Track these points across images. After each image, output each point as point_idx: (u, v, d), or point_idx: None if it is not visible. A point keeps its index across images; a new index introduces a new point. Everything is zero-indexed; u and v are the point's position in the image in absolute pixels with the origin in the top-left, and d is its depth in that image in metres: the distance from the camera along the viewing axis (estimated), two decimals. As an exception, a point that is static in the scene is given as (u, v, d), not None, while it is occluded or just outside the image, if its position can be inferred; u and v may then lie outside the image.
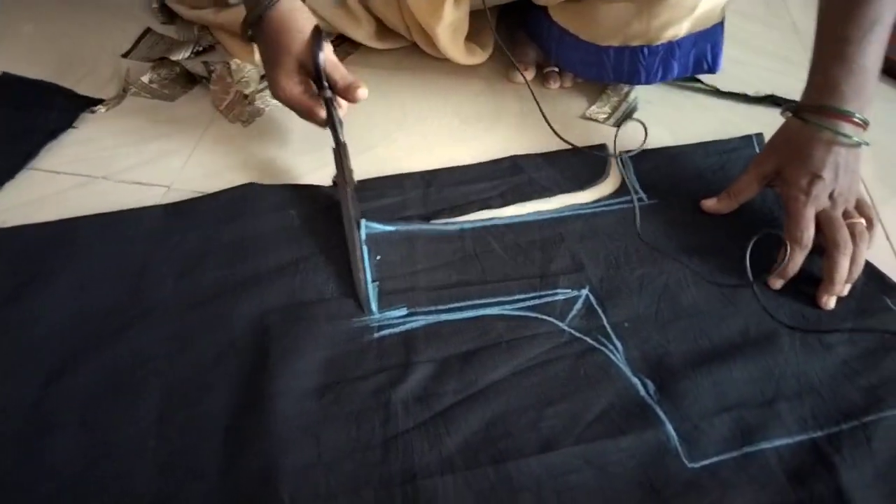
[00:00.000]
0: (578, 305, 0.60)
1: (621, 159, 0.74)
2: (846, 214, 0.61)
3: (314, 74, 0.63)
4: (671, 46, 0.74)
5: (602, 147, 0.75)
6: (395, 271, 0.61)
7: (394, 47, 0.86)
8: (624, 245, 0.64)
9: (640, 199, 0.69)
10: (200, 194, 0.67)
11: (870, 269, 0.63)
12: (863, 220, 0.61)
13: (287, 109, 0.74)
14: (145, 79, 0.79)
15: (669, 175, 0.72)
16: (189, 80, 0.80)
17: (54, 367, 0.52)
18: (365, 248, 0.62)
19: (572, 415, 0.52)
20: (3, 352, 0.53)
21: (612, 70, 0.77)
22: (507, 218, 0.67)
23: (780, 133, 0.65)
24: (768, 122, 0.79)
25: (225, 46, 0.85)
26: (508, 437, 0.50)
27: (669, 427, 0.51)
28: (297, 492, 0.47)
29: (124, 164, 0.70)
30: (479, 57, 0.84)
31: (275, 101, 0.78)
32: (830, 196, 0.61)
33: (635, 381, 0.54)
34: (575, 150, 0.74)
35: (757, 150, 0.74)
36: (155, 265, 0.60)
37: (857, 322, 0.59)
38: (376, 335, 0.56)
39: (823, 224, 0.60)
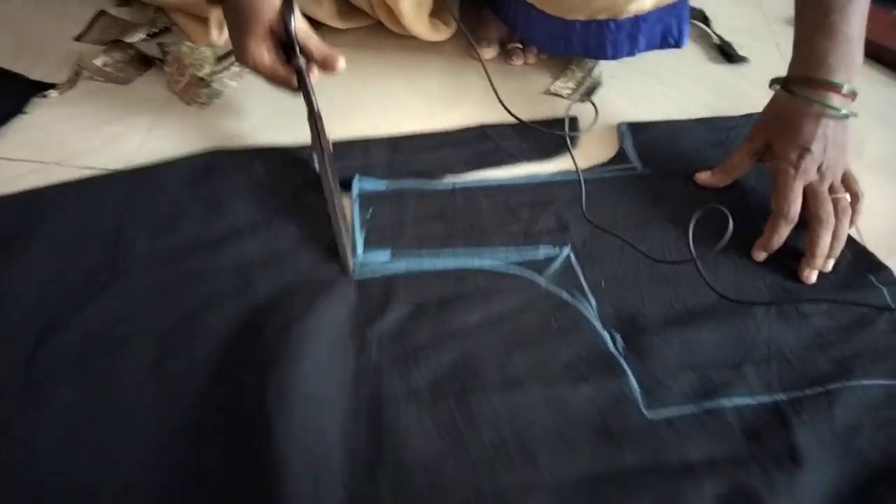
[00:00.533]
0: (557, 263, 0.60)
1: (620, 129, 0.74)
2: (832, 189, 0.61)
3: (286, 42, 0.62)
4: (637, 20, 0.73)
5: (559, 122, 0.74)
6: (383, 222, 0.63)
7: (356, 26, 0.85)
8: (612, 210, 0.65)
9: (632, 168, 0.70)
10: (157, 177, 0.66)
11: (858, 249, 0.63)
12: (847, 196, 0.61)
13: (246, 91, 0.73)
14: (99, 62, 0.77)
15: (668, 147, 0.72)
16: (144, 62, 0.79)
17: (42, 327, 0.53)
18: (356, 203, 0.64)
19: (538, 360, 0.54)
20: None
21: (580, 45, 0.76)
22: (499, 179, 0.69)
23: (770, 107, 0.65)
24: (732, 94, 0.80)
25: (181, 28, 0.83)
26: (474, 376, 0.52)
27: (632, 379, 0.53)
28: (279, 416, 0.48)
29: (78, 148, 0.68)
30: (443, 33, 0.83)
31: (233, 83, 0.77)
32: (819, 169, 0.61)
33: (605, 334, 0.55)
34: (542, 123, 0.74)
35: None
36: (128, 227, 0.60)
37: (838, 296, 0.59)
38: (357, 277, 0.58)
39: (808, 198, 0.61)
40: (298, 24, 0.62)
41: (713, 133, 0.75)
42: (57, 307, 0.54)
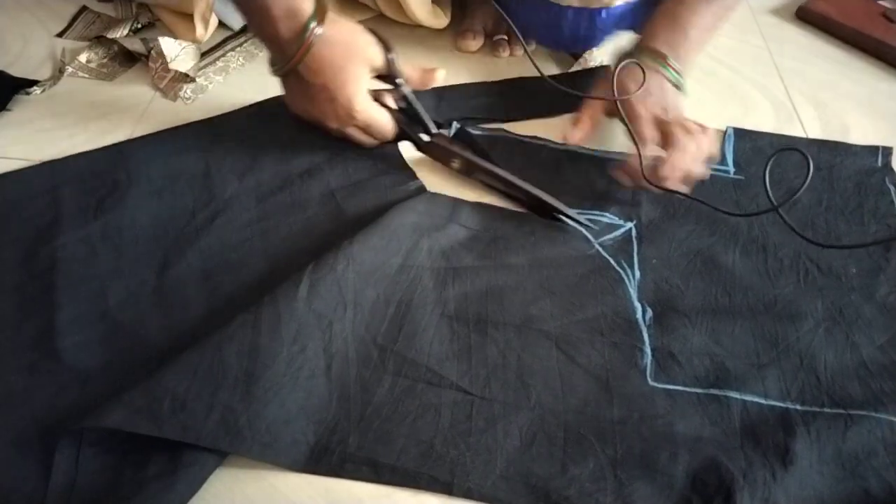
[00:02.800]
0: (618, 233, 0.63)
1: (726, 132, 0.75)
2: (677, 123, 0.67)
3: (390, 71, 0.62)
4: (626, 9, 0.74)
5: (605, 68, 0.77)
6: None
7: (357, 20, 0.85)
8: (690, 203, 0.65)
9: (725, 171, 0.71)
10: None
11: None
12: (695, 127, 0.66)
13: (231, 86, 0.73)
14: (83, 58, 0.77)
15: (766, 160, 0.71)
16: (128, 58, 0.78)
17: (163, 256, 0.59)
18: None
19: (564, 308, 0.57)
20: (109, 255, 0.58)
21: (570, 34, 0.76)
22: (590, 149, 0.71)
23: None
24: (717, 85, 0.80)
25: (166, 25, 0.83)
26: (499, 306, 0.57)
27: (648, 348, 0.55)
28: (355, 282, 0.54)
29: (63, 145, 0.67)
30: (442, 20, 0.83)
31: (219, 79, 0.77)
32: (662, 108, 0.67)
33: (637, 305, 0.58)
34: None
35: (879, 164, 0.73)
36: (215, 169, 0.66)
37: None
38: (429, 191, 0.65)
39: (659, 126, 0.66)
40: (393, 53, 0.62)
41: (823, 155, 0.73)
42: (172, 240, 0.60)
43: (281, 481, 0.47)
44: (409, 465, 0.47)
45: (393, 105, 0.63)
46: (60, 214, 0.61)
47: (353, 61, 0.61)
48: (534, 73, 0.81)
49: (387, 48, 0.61)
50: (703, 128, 0.66)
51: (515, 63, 0.84)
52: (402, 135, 0.65)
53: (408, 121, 0.64)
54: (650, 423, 0.50)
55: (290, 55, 0.59)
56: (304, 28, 0.58)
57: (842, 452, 0.50)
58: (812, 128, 0.78)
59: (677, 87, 0.67)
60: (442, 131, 0.62)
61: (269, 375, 0.48)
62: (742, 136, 0.75)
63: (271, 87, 0.68)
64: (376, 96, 0.64)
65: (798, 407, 0.52)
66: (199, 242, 0.60)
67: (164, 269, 0.58)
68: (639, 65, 0.64)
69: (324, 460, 0.47)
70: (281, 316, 0.50)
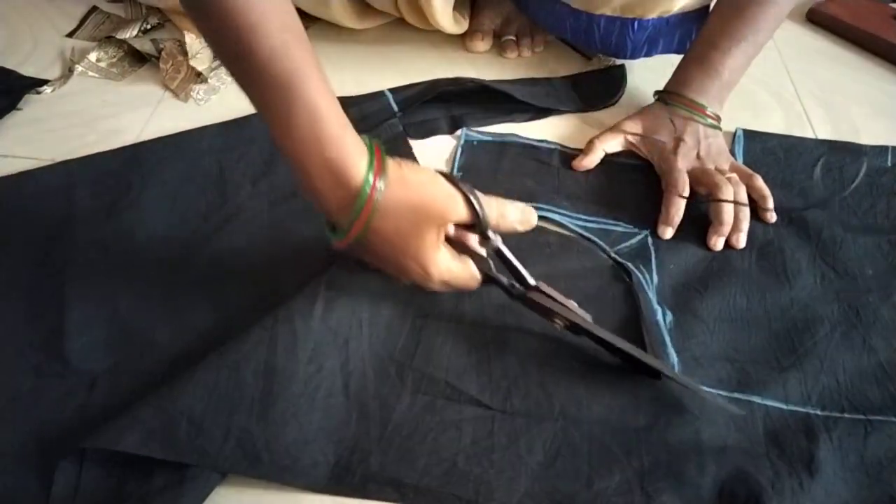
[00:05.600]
0: (633, 241, 0.61)
1: (735, 133, 0.73)
2: (720, 171, 0.64)
3: (478, 226, 0.49)
4: (660, 23, 0.72)
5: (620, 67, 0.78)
6: (479, 168, 0.67)
7: (372, 26, 0.82)
8: (705, 208, 0.63)
9: None
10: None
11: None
12: (736, 176, 0.64)
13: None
14: (93, 57, 0.75)
15: (778, 159, 0.70)
16: (138, 58, 0.76)
17: (175, 259, 0.57)
18: (459, 150, 0.68)
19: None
20: (120, 257, 0.57)
21: (601, 41, 0.74)
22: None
23: (647, 109, 0.70)
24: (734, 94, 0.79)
25: (177, 24, 0.81)
26: (518, 319, 0.54)
27: (672, 350, 0.53)
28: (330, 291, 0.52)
29: (73, 144, 0.66)
30: (462, 25, 0.81)
31: (230, 78, 0.76)
32: (698, 156, 0.65)
33: (657, 307, 0.56)
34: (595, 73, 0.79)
35: (889, 163, 0.71)
36: (229, 173, 0.64)
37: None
38: None
39: (700, 176, 0.63)
40: (480, 196, 0.49)
41: (833, 156, 0.71)
42: (184, 243, 0.58)
43: (295, 496, 0.45)
44: (433, 485, 0.45)
45: (479, 250, 0.52)
46: (73, 215, 0.59)
47: (426, 225, 0.47)
48: (540, 71, 0.81)
49: (469, 197, 0.48)
50: (752, 175, 0.65)
51: (524, 63, 0.83)
52: (490, 281, 0.53)
53: (499, 266, 0.53)
54: (676, 430, 0.48)
55: (345, 229, 0.46)
56: (358, 194, 0.44)
57: (864, 459, 0.48)
58: (822, 131, 0.76)
59: (714, 128, 0.66)
60: (541, 284, 0.51)
61: (287, 396, 0.45)
62: (752, 138, 0.72)
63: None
64: (460, 240, 0.51)
65: (818, 412, 0.50)
66: (211, 246, 0.58)
67: (174, 273, 0.56)
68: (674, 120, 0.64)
69: (346, 480, 0.45)
70: (297, 335, 0.48)
